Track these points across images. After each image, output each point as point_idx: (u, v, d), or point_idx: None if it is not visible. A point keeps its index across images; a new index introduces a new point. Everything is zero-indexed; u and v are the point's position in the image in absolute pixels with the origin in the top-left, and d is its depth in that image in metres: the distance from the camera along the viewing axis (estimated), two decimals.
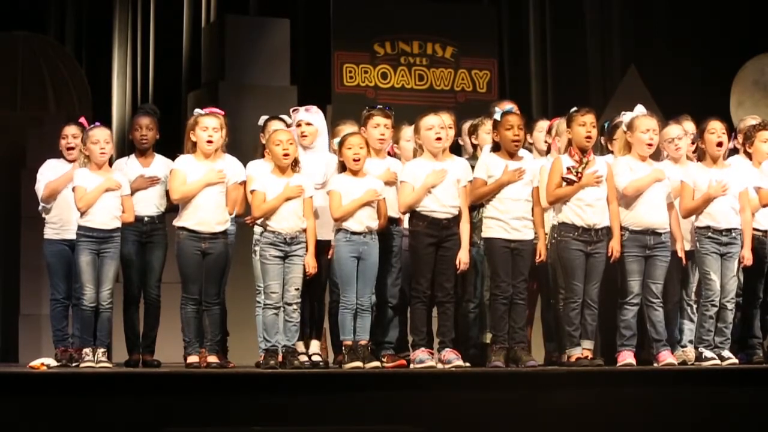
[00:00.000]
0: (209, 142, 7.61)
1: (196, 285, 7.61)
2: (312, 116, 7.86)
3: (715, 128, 7.85)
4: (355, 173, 7.47)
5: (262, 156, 7.80)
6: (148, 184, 8.09)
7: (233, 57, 11.65)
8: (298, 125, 7.80)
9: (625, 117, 7.85)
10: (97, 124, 7.88)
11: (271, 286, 7.38)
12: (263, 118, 8.05)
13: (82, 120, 8.17)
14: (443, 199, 7.50)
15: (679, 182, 7.85)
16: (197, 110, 7.77)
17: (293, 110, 7.93)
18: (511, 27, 13.57)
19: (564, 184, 7.59)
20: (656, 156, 8.02)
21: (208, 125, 7.63)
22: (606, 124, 8.27)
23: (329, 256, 7.63)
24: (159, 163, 8.18)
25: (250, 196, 7.57)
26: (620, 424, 6.65)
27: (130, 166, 8.14)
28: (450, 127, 7.92)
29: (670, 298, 7.93)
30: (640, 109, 7.83)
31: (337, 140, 7.62)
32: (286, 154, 7.43)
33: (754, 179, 8.04)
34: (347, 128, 7.79)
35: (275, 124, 7.85)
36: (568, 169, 7.60)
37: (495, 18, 12.69)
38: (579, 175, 7.58)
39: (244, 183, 7.70)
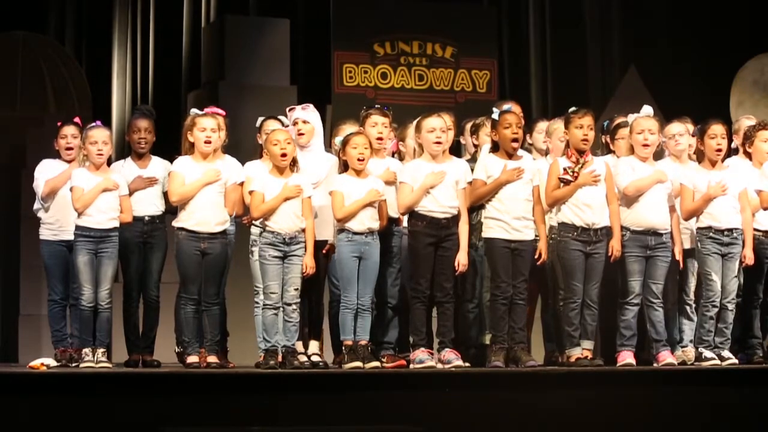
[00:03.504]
0: (207, 143, 7.61)
1: (195, 285, 7.61)
2: (309, 114, 7.84)
3: (716, 133, 7.86)
4: (357, 173, 7.47)
5: (261, 157, 7.80)
6: (146, 185, 8.07)
7: (233, 57, 11.64)
8: (295, 123, 7.79)
9: (630, 118, 7.87)
10: (98, 123, 7.87)
11: (271, 286, 7.38)
12: (260, 119, 8.06)
13: (77, 120, 8.17)
14: (442, 200, 7.50)
15: (679, 184, 7.86)
16: (194, 110, 7.76)
17: (290, 109, 7.92)
18: (511, 27, 13.56)
19: (561, 184, 7.60)
20: (659, 156, 8.04)
21: (206, 126, 7.62)
22: (605, 124, 8.29)
23: (324, 252, 7.64)
24: (156, 165, 8.15)
25: (249, 197, 7.56)
26: (620, 424, 6.65)
27: (127, 168, 8.11)
28: (450, 129, 7.94)
29: (669, 298, 7.94)
30: (645, 109, 7.82)
31: (338, 139, 7.61)
32: (283, 154, 7.42)
33: (755, 181, 8.04)
34: (348, 128, 7.78)
35: (272, 124, 7.84)
36: (565, 169, 7.61)
37: (495, 18, 12.69)
38: (575, 174, 7.59)
39: (242, 184, 7.69)
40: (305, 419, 6.35)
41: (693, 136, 8.07)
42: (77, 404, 6.21)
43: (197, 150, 7.64)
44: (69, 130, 8.12)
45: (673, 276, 7.92)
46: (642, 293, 7.70)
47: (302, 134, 7.78)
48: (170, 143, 8.16)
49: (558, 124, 7.94)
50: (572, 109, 7.73)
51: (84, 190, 7.60)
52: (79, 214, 7.62)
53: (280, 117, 7.99)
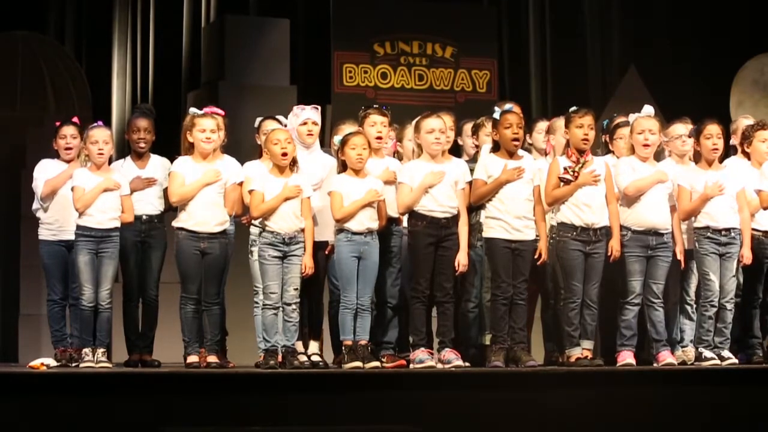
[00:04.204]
0: (207, 142, 7.60)
1: (195, 285, 7.61)
2: (318, 115, 7.86)
3: (712, 133, 7.85)
4: (356, 173, 7.47)
5: (260, 157, 7.80)
6: (144, 185, 8.06)
7: (233, 57, 11.64)
8: (304, 123, 7.78)
9: (631, 118, 7.86)
10: (99, 123, 7.86)
11: (270, 286, 7.37)
12: (258, 119, 8.06)
13: (75, 120, 8.17)
14: (441, 200, 7.50)
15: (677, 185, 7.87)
16: (193, 110, 7.75)
17: (301, 108, 7.88)
18: (511, 27, 13.56)
19: (561, 184, 7.60)
20: (659, 156, 8.04)
21: (206, 127, 7.62)
22: (606, 123, 8.27)
23: (327, 252, 7.64)
24: (155, 164, 8.15)
25: (248, 197, 7.56)
26: (620, 424, 6.65)
27: (127, 168, 8.11)
28: (451, 129, 7.95)
29: (670, 298, 7.94)
30: (646, 109, 7.81)
31: (337, 138, 7.60)
32: (284, 154, 7.42)
33: (754, 181, 8.04)
34: (347, 128, 7.77)
35: (271, 124, 7.83)
36: (565, 169, 7.61)
37: (495, 18, 12.69)
38: (576, 174, 7.59)
39: (241, 184, 7.69)
40: (305, 419, 6.35)
41: (690, 136, 8.06)
42: (77, 404, 6.20)
43: (197, 150, 7.64)
44: (68, 131, 8.11)
45: (674, 276, 7.92)
46: (642, 293, 7.70)
47: (311, 135, 7.78)
48: (170, 143, 8.16)
49: (561, 122, 7.93)
50: (573, 108, 7.73)
51: (85, 190, 7.60)
52: (80, 214, 7.62)
53: (278, 117, 7.99)
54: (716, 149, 7.87)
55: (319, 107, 7.96)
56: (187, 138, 7.65)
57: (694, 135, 7.97)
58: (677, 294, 8.02)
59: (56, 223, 8.03)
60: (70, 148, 8.08)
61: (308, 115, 7.81)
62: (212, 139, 7.63)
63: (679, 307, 8.04)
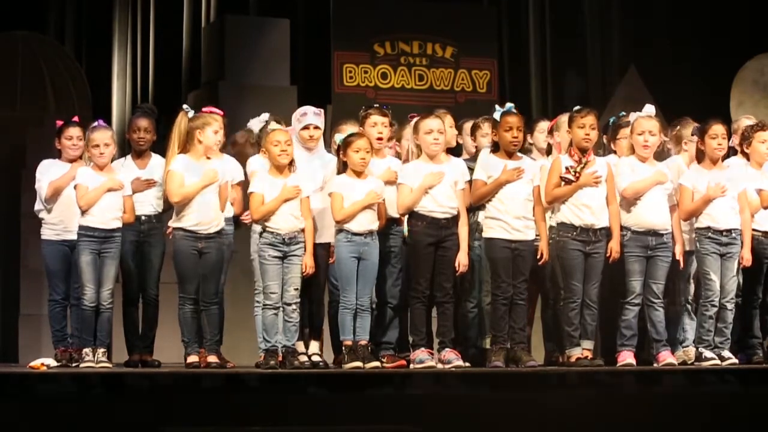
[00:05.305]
0: (218, 144, 7.60)
1: (192, 285, 7.60)
2: (321, 119, 7.85)
3: (717, 133, 7.84)
4: (357, 174, 7.46)
5: (259, 151, 7.80)
6: (144, 187, 8.05)
7: (233, 57, 11.65)
8: (306, 128, 7.77)
9: (632, 117, 7.85)
10: (99, 123, 7.83)
11: (271, 286, 7.37)
12: (256, 119, 8.03)
13: (76, 119, 8.16)
14: (441, 200, 7.49)
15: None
16: (186, 107, 7.73)
17: (303, 113, 7.84)
18: (511, 27, 13.58)
19: (562, 183, 7.60)
20: (661, 156, 8.03)
21: (218, 129, 7.60)
22: (611, 120, 8.24)
23: (330, 260, 7.64)
24: (156, 164, 8.14)
25: (249, 197, 7.56)
26: (620, 424, 6.65)
27: (127, 167, 8.10)
28: (451, 126, 7.94)
29: (675, 299, 7.94)
30: (647, 108, 7.80)
31: (338, 136, 7.58)
32: (284, 154, 7.41)
33: (755, 180, 8.03)
34: (348, 128, 7.76)
35: (272, 124, 7.82)
36: (567, 168, 7.60)
37: (495, 18, 12.71)
38: (577, 175, 7.59)
39: (240, 183, 7.68)
40: (305, 419, 6.34)
41: (692, 135, 8.06)
42: (77, 404, 6.20)
43: (205, 151, 7.58)
44: (75, 132, 8.05)
45: (681, 276, 7.92)
46: (642, 293, 7.69)
47: (312, 139, 7.77)
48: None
49: (566, 118, 7.91)
50: (576, 108, 7.73)
51: (88, 188, 7.59)
52: (83, 213, 7.61)
53: (276, 117, 7.98)
54: (721, 149, 7.86)
55: (322, 111, 7.94)
56: (197, 136, 7.59)
57: (698, 134, 7.96)
58: (683, 294, 8.01)
59: (61, 224, 8.02)
60: (77, 149, 8.05)
61: (311, 120, 7.79)
62: (220, 140, 7.63)
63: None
